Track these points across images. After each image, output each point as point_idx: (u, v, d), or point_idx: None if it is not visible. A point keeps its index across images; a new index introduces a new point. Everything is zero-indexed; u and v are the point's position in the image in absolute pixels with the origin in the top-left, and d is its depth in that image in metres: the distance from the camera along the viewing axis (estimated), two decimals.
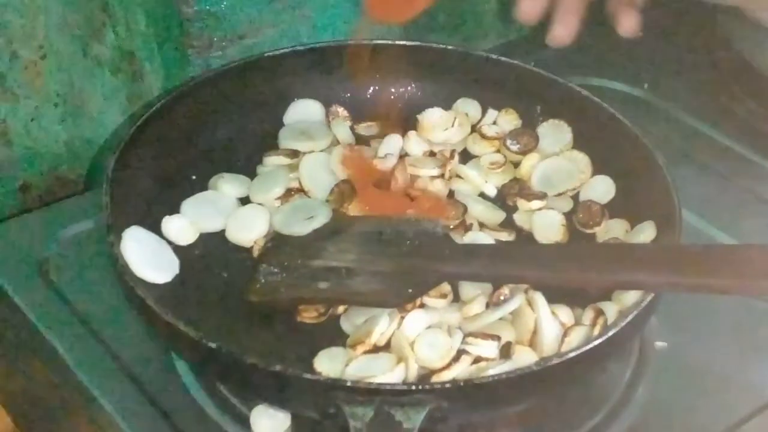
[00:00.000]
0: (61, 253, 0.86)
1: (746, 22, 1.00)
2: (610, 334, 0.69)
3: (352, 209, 0.82)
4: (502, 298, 0.75)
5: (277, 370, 0.65)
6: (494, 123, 0.91)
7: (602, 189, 0.86)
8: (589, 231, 0.83)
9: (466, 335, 0.72)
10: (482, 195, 0.87)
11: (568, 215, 0.85)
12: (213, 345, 0.66)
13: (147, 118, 0.81)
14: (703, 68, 1.10)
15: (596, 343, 0.68)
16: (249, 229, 0.81)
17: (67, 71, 0.94)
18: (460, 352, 0.71)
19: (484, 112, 0.92)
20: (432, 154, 0.89)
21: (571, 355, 0.67)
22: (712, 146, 1.00)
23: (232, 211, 0.83)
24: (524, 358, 0.72)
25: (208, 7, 0.90)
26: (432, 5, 1.03)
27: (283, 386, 0.66)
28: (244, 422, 0.73)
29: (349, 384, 0.65)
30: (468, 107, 0.92)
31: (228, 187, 0.84)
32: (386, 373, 0.69)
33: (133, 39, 0.94)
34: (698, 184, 0.95)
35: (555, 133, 0.89)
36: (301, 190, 0.85)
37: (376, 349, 0.72)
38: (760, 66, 1.01)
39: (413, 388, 0.65)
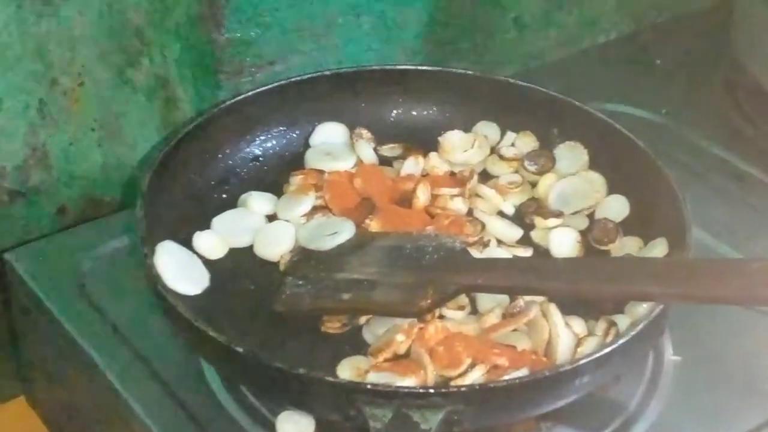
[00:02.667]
0: (98, 268, 0.89)
1: (761, 47, 1.03)
2: (621, 341, 0.71)
3: (374, 226, 0.85)
4: (517, 309, 0.78)
5: (301, 373, 0.68)
6: (512, 145, 0.94)
7: (617, 208, 0.88)
8: (603, 248, 0.86)
9: None
10: (500, 213, 0.90)
11: (584, 233, 0.87)
12: (241, 350, 0.69)
13: (180, 139, 0.85)
14: (718, 93, 1.12)
15: (608, 350, 0.71)
16: (276, 244, 0.85)
17: (104, 97, 0.97)
18: (476, 360, 0.74)
19: (502, 135, 0.95)
20: (452, 174, 0.92)
21: (583, 361, 0.70)
22: (727, 168, 1.02)
23: (259, 227, 0.86)
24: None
25: (239, 35, 0.93)
26: (454, 34, 1.07)
27: (306, 389, 0.69)
28: (270, 428, 0.75)
29: (369, 387, 0.68)
30: (487, 130, 0.95)
31: (256, 204, 0.88)
32: (405, 379, 0.72)
33: (167, 66, 0.97)
34: (712, 204, 0.97)
35: (571, 155, 0.92)
36: (325, 208, 0.88)
37: (396, 357, 0.75)
38: None
39: (430, 391, 0.68)
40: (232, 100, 0.90)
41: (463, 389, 0.68)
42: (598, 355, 0.70)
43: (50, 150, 0.97)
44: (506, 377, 0.72)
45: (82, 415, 0.87)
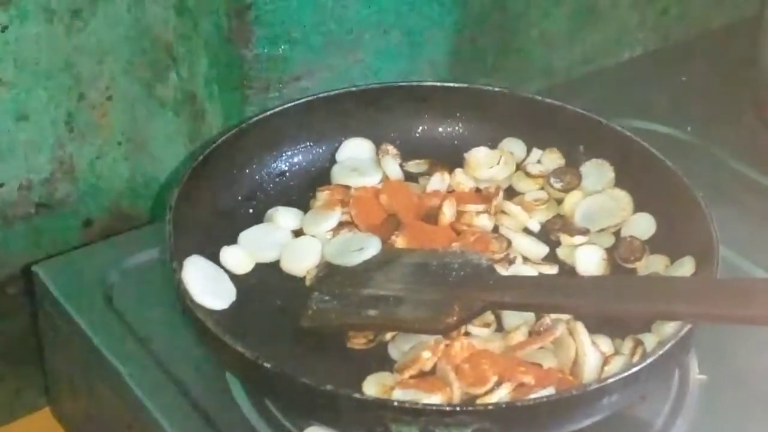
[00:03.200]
0: (125, 281, 0.89)
1: None
2: (649, 361, 0.71)
3: (400, 242, 0.86)
4: (543, 327, 0.78)
5: (329, 390, 0.68)
6: (538, 161, 0.94)
7: (643, 226, 0.88)
8: (630, 266, 0.86)
9: None
10: (526, 230, 0.90)
11: (610, 251, 0.87)
12: (268, 365, 0.69)
13: (208, 154, 0.85)
14: (744, 109, 1.12)
15: (635, 369, 0.71)
16: (302, 260, 0.85)
17: (131, 112, 0.98)
18: (503, 378, 0.74)
19: (528, 151, 0.95)
20: (478, 190, 0.92)
21: (611, 381, 0.70)
22: (753, 186, 1.02)
23: (286, 242, 0.87)
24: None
25: (267, 51, 0.94)
26: (479, 50, 1.07)
27: (333, 406, 0.69)
28: None
29: (396, 404, 0.68)
30: (513, 146, 0.95)
31: (283, 219, 0.88)
32: (431, 396, 0.72)
33: (195, 81, 0.98)
34: (739, 223, 0.96)
35: (597, 172, 0.92)
36: (351, 224, 0.88)
37: (422, 374, 0.75)
38: None
39: (456, 409, 0.68)
40: (259, 116, 0.90)
41: (489, 407, 0.68)
42: (625, 374, 0.70)
43: (77, 163, 0.98)
44: (533, 396, 0.72)
45: (107, 428, 0.87)
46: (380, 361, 0.78)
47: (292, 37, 0.94)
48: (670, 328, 0.76)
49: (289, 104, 0.92)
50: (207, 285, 0.79)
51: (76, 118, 0.96)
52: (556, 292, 0.78)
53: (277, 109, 0.91)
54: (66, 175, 0.97)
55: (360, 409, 0.68)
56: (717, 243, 0.79)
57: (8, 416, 1.01)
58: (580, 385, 0.72)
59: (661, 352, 0.72)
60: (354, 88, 0.94)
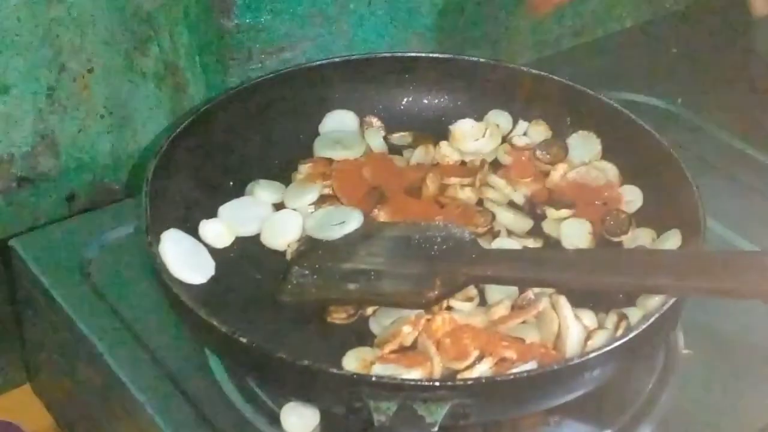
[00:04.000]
0: (103, 256, 0.88)
1: None
2: (632, 335, 0.70)
3: (383, 216, 0.85)
4: (526, 301, 0.77)
5: (306, 364, 0.67)
6: (525, 134, 0.93)
7: (630, 198, 0.87)
8: (616, 239, 0.85)
9: None
10: (511, 203, 0.89)
11: (596, 224, 0.86)
12: (244, 340, 0.68)
13: (186, 126, 0.84)
14: (735, 82, 1.11)
15: (618, 343, 0.70)
16: (283, 234, 0.84)
17: (113, 84, 0.97)
18: (484, 352, 0.73)
19: (514, 123, 0.94)
20: (463, 163, 0.91)
21: (593, 355, 0.69)
22: (743, 159, 1.01)
23: (267, 216, 0.85)
24: None
25: (248, 21, 0.93)
26: (468, 21, 1.06)
27: (310, 381, 0.68)
28: (275, 419, 0.75)
29: (374, 379, 0.67)
30: (499, 118, 0.94)
31: (264, 193, 0.87)
32: (411, 371, 0.71)
33: (176, 51, 0.96)
34: (727, 195, 0.96)
35: (584, 144, 0.91)
36: (333, 197, 0.87)
37: (402, 349, 0.74)
38: None
39: (435, 384, 0.67)
40: (240, 87, 0.89)
41: (469, 382, 0.67)
42: (608, 348, 0.69)
43: (59, 137, 0.96)
44: (514, 370, 0.71)
45: (86, 403, 0.86)
46: (361, 335, 0.77)
47: (274, 7, 0.93)
48: (654, 301, 0.75)
49: (271, 75, 0.90)
50: (185, 259, 0.78)
51: (57, 91, 0.94)
52: (539, 266, 0.77)
53: (258, 80, 0.90)
54: (48, 149, 0.96)
55: (337, 385, 0.67)
56: (703, 216, 0.78)
57: None
58: (562, 360, 0.71)
59: (644, 326, 0.71)
60: (337, 59, 0.93)
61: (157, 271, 0.75)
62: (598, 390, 0.73)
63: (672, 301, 0.72)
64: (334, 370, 0.67)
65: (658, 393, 0.79)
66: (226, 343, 0.70)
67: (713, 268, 0.72)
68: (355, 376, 0.68)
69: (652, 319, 0.71)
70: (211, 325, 0.70)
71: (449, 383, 0.66)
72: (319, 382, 0.68)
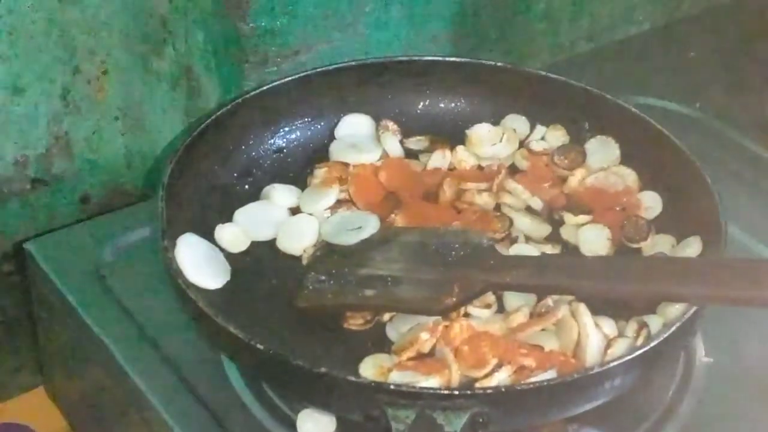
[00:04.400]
0: (119, 259, 0.88)
1: None
2: (653, 344, 0.70)
3: (400, 221, 0.84)
4: (545, 308, 0.76)
5: (323, 372, 0.66)
6: (542, 138, 0.92)
7: (649, 204, 0.86)
8: (635, 246, 0.84)
9: None
10: (529, 209, 0.88)
11: (615, 230, 0.85)
12: (261, 347, 0.68)
13: (203, 129, 0.83)
14: (754, 86, 1.10)
15: (638, 353, 0.69)
16: (299, 238, 0.83)
17: (127, 86, 0.97)
18: (503, 360, 0.72)
19: (532, 128, 0.93)
20: (480, 168, 0.90)
21: (613, 364, 0.68)
22: (762, 164, 1.00)
23: (283, 220, 0.85)
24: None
25: (264, 24, 0.92)
26: (483, 24, 1.05)
27: (328, 388, 0.67)
28: (291, 426, 0.74)
29: (392, 387, 0.66)
30: (516, 123, 0.93)
31: (279, 197, 0.86)
32: (428, 378, 0.70)
33: (191, 54, 0.96)
34: (747, 201, 0.95)
35: (603, 149, 0.90)
36: (350, 202, 0.86)
37: (420, 356, 0.74)
38: None
39: (455, 392, 0.66)
40: (256, 91, 0.88)
41: (488, 391, 0.67)
42: (628, 357, 0.69)
43: (73, 138, 0.96)
44: (533, 379, 0.70)
45: (100, 407, 0.86)
46: (378, 342, 0.76)
47: (290, 10, 0.92)
48: (675, 310, 0.75)
49: (287, 79, 0.90)
50: (201, 264, 0.78)
51: (71, 92, 0.94)
52: (558, 273, 0.76)
53: (274, 84, 0.89)
54: (62, 151, 0.96)
55: (354, 392, 0.67)
56: (724, 223, 0.77)
57: (4, 395, 1.00)
58: (582, 369, 0.70)
59: (666, 335, 0.70)
60: (353, 63, 0.92)
61: (172, 276, 0.74)
62: (618, 398, 0.72)
63: (693, 309, 0.72)
64: (352, 378, 0.67)
65: (677, 402, 0.79)
66: (243, 350, 0.69)
67: (734, 277, 0.71)
68: (373, 384, 0.67)
69: (674, 328, 0.70)
70: (227, 332, 0.69)
71: (468, 392, 0.66)
72: (337, 389, 0.67)
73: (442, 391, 0.67)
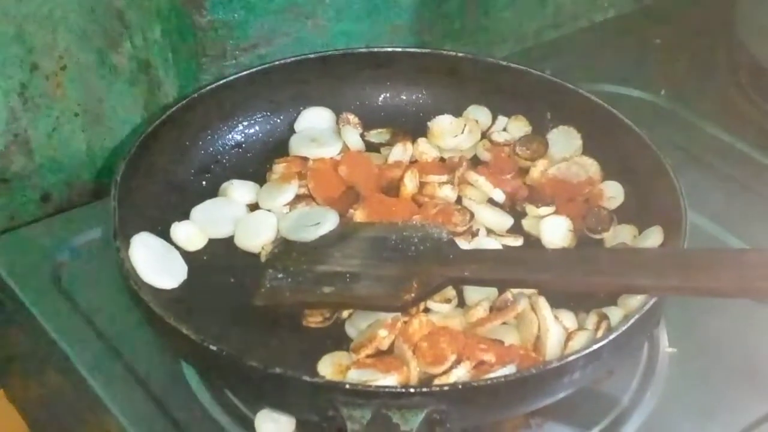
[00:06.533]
0: (74, 259, 0.87)
1: (764, 27, 1.00)
2: (612, 336, 0.69)
3: (359, 215, 0.83)
4: (506, 302, 0.76)
5: (277, 372, 0.65)
6: (504, 129, 0.92)
7: (611, 195, 0.86)
8: (597, 236, 0.83)
9: None
10: (491, 201, 0.87)
11: (577, 221, 0.84)
12: (213, 347, 0.67)
13: (156, 126, 0.82)
14: (719, 73, 1.09)
15: (598, 345, 0.68)
16: (257, 235, 0.82)
17: (86, 81, 0.95)
18: (462, 356, 0.71)
19: (494, 119, 0.92)
20: (442, 160, 0.89)
21: (572, 357, 0.67)
22: (728, 152, 1.00)
23: (240, 217, 0.84)
24: None
25: (221, 17, 0.91)
26: (447, 14, 1.04)
27: (282, 389, 0.67)
28: (250, 426, 0.73)
29: (347, 387, 0.65)
30: (478, 114, 0.92)
31: (237, 193, 0.85)
32: (387, 376, 0.69)
33: (149, 49, 0.95)
34: (713, 189, 0.95)
35: (565, 140, 0.89)
36: (309, 197, 0.85)
37: (379, 353, 0.73)
38: None
39: (410, 390, 0.65)
40: (212, 85, 0.87)
41: (445, 388, 0.66)
42: (588, 351, 0.68)
43: (32, 136, 0.95)
44: (492, 374, 0.69)
45: (58, 410, 0.85)
46: (337, 339, 0.75)
47: (247, 3, 0.91)
48: (635, 301, 0.74)
49: (244, 72, 0.89)
50: (156, 263, 0.77)
51: (29, 89, 0.93)
52: (518, 266, 0.75)
53: (230, 78, 0.88)
54: (21, 148, 0.95)
55: (309, 393, 0.66)
56: (685, 213, 0.77)
57: None
58: (540, 363, 0.70)
59: (625, 327, 0.69)
60: (312, 55, 0.91)
61: (124, 276, 0.73)
62: (580, 391, 0.72)
63: (653, 300, 0.71)
64: (306, 378, 0.65)
65: (642, 392, 0.78)
66: (196, 351, 0.68)
67: (693, 267, 0.70)
68: (327, 383, 0.67)
69: (633, 320, 0.70)
70: (179, 333, 0.68)
71: (424, 389, 0.65)
72: (292, 390, 0.66)
73: (397, 390, 0.66)
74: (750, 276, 0.68)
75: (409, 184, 0.85)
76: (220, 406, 0.75)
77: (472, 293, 0.78)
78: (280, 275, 0.77)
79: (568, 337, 0.73)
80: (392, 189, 0.86)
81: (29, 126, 0.94)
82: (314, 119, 0.91)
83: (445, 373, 0.70)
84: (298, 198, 0.85)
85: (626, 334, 0.70)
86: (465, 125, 0.91)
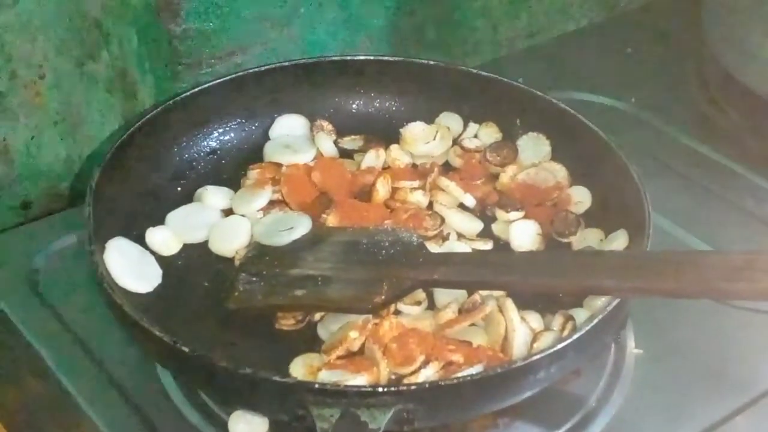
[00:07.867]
0: (52, 265, 0.88)
1: (733, 36, 1.02)
2: (577, 336, 0.70)
3: (331, 221, 0.84)
4: (473, 304, 0.77)
5: (247, 372, 0.66)
6: (475, 136, 0.93)
7: (579, 199, 0.87)
8: (565, 240, 0.85)
9: None
10: (462, 206, 0.88)
11: (546, 225, 0.86)
12: (185, 349, 0.68)
13: (132, 132, 0.84)
14: (689, 81, 1.11)
15: (563, 345, 0.70)
16: (231, 240, 0.83)
17: (65, 90, 0.96)
18: (430, 357, 0.73)
19: (465, 126, 0.94)
20: (414, 166, 0.91)
21: (537, 357, 0.69)
22: (695, 157, 1.01)
23: (215, 222, 0.85)
24: None
25: (196, 26, 0.92)
26: (421, 23, 1.05)
27: (253, 389, 0.68)
28: (224, 427, 0.74)
29: (316, 386, 0.66)
30: (450, 121, 0.94)
31: (212, 199, 0.87)
32: (357, 377, 0.71)
33: (126, 57, 0.96)
34: (680, 194, 0.96)
35: (534, 146, 0.91)
36: (282, 202, 0.87)
37: (350, 355, 0.74)
38: (745, 80, 1.02)
39: (378, 389, 0.66)
40: (187, 93, 0.89)
41: (412, 387, 0.67)
42: (552, 350, 0.69)
43: (11, 144, 0.95)
44: (458, 374, 0.70)
45: (36, 415, 0.85)
46: (309, 341, 0.77)
47: (223, 11, 0.93)
48: (601, 302, 0.76)
49: (219, 80, 0.90)
50: (131, 268, 0.78)
51: (8, 98, 0.93)
52: (485, 269, 0.77)
53: (205, 86, 0.89)
54: (1, 157, 0.95)
55: (279, 393, 0.67)
56: (649, 216, 0.78)
57: None
58: (505, 363, 0.71)
59: (589, 327, 0.71)
60: (286, 63, 0.93)
61: (98, 280, 0.74)
62: (548, 390, 0.73)
63: (616, 301, 0.72)
64: (276, 378, 0.67)
65: (608, 393, 0.79)
66: (168, 353, 0.70)
67: (655, 269, 0.72)
68: (296, 383, 0.68)
69: (596, 320, 0.71)
70: (152, 335, 0.69)
71: (392, 389, 0.66)
72: (262, 390, 0.67)
73: (365, 389, 0.67)
74: (710, 277, 0.70)
75: (382, 189, 0.87)
76: (195, 407, 0.76)
77: (441, 295, 0.79)
78: (253, 279, 0.79)
79: (534, 337, 0.75)
80: (365, 194, 0.88)
81: (8, 134, 0.95)
82: (289, 126, 0.93)
83: (414, 373, 0.72)
84: (272, 203, 0.86)
85: (590, 335, 0.71)
86: (437, 132, 0.92)
